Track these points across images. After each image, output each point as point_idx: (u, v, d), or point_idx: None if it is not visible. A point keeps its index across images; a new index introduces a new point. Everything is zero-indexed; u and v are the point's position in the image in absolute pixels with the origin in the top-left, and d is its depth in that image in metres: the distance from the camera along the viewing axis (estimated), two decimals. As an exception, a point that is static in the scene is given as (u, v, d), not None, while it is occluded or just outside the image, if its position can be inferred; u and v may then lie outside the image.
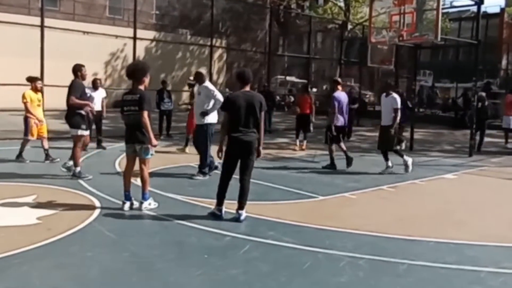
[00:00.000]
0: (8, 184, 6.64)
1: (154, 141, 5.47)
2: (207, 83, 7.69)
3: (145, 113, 5.33)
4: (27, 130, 8.40)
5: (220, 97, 7.28)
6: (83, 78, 7.28)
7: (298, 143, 11.74)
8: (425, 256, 4.40)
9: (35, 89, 8.44)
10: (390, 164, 8.76)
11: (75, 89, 7.02)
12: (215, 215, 5.29)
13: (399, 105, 8.53)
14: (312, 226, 5.23)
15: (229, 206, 5.36)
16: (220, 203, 5.32)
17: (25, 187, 6.48)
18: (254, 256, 4.26)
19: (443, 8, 12.98)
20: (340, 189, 7.19)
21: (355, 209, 6.31)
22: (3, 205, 5.54)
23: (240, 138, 5.17)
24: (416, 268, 4.12)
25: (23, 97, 8.36)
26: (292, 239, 4.69)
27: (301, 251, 4.41)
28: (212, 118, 7.58)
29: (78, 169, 7.07)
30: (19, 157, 8.39)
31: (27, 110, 8.38)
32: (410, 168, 8.76)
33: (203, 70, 8.03)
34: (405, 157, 8.86)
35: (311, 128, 12.01)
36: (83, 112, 7.16)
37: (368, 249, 4.50)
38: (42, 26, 11.87)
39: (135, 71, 5.59)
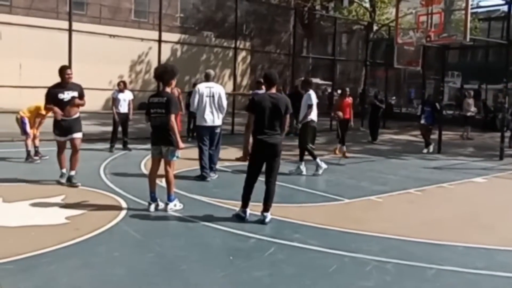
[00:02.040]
0: (38, 185, 6.79)
1: (181, 144, 5.49)
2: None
3: (172, 116, 5.36)
4: (25, 129, 8.50)
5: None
6: (64, 81, 6.75)
7: (345, 149, 10.99)
8: (454, 261, 4.29)
9: None
10: (302, 167, 8.36)
11: (46, 97, 6.79)
12: (240, 217, 5.28)
13: (313, 102, 8.40)
14: (337, 229, 5.16)
15: (254, 208, 5.35)
16: (245, 205, 5.31)
17: (54, 187, 6.62)
18: (279, 259, 4.23)
19: (472, 8, 12.70)
20: (366, 192, 7.09)
21: (381, 212, 6.21)
22: (33, 205, 5.67)
23: (265, 140, 5.15)
24: (444, 273, 4.02)
25: (41, 108, 8.15)
26: (318, 242, 4.64)
27: (326, 254, 4.36)
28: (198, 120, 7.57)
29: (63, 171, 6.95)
30: (28, 158, 8.54)
31: (36, 116, 8.52)
32: (320, 171, 8.27)
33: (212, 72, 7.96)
34: (318, 160, 8.39)
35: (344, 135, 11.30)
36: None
37: (395, 253, 4.41)
38: (70, 30, 12.13)
39: (164, 73, 5.59)
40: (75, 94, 6.76)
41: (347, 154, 10.83)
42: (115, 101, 10.40)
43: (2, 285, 3.43)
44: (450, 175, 8.91)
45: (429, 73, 23.58)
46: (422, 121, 12.42)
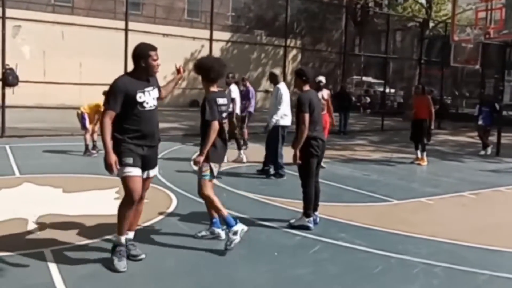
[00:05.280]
0: (94, 177, 7.14)
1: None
2: (281, 85, 7.72)
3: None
4: (84, 124, 8.91)
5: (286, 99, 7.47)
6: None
7: (419, 154, 9.78)
8: (509, 267, 4.10)
9: None
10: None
11: None
12: (311, 226, 4.97)
13: (233, 95, 8.72)
14: (385, 230, 5.08)
15: (296, 205, 5.35)
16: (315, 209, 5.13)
17: (109, 180, 6.92)
18: (323, 257, 4.22)
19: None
20: (416, 194, 6.91)
21: (431, 215, 6.03)
22: (90, 195, 5.99)
23: (321, 138, 5.06)
24: (497, 280, 3.86)
25: (100, 106, 8.76)
26: (364, 242, 4.59)
27: (372, 254, 4.31)
28: (282, 120, 7.57)
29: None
30: (86, 151, 8.97)
31: (95, 113, 8.84)
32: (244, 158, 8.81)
33: (277, 71, 8.11)
34: (242, 151, 9.07)
35: (430, 138, 10.03)
36: None
37: (445, 257, 4.28)
38: (126, 30, 12.63)
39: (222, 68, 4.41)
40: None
41: (421, 162, 9.69)
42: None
43: (60, 269, 3.66)
44: (508, 179, 8.49)
45: (489, 72, 22.52)
46: (480, 122, 11.90)
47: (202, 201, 5.69)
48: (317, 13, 29.73)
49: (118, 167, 3.61)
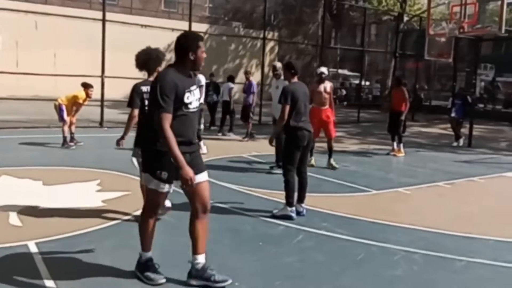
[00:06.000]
0: (74, 169, 7.06)
1: None
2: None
3: None
4: (62, 116, 8.77)
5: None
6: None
7: (395, 145, 9.90)
8: (484, 254, 4.29)
9: (87, 95, 8.77)
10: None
11: None
12: (294, 216, 5.03)
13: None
14: (365, 219, 5.22)
15: (279, 196, 5.42)
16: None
17: (89, 172, 6.87)
18: (308, 246, 4.32)
19: (508, -2, 12.36)
20: (394, 184, 7.09)
21: (409, 204, 6.22)
22: (71, 188, 5.93)
23: (307, 128, 5.14)
24: (474, 265, 4.04)
25: (78, 97, 8.71)
26: (346, 231, 4.71)
27: (354, 243, 4.43)
28: None
29: None
30: (64, 143, 8.84)
31: (73, 105, 8.80)
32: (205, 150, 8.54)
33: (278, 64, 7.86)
34: (202, 142, 8.63)
35: (404, 129, 10.04)
36: None
37: (424, 244, 4.44)
38: (103, 20, 12.41)
39: (149, 60, 4.67)
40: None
41: (397, 153, 9.85)
42: None
43: (46, 261, 3.64)
44: (480, 169, 8.80)
45: (461, 66, 23.07)
46: (453, 114, 12.24)
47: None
48: (294, 6, 29.82)
49: (195, 180, 3.14)
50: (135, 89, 4.51)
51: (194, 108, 3.27)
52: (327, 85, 7.93)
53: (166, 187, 3.31)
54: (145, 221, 3.45)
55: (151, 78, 4.41)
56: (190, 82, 3.25)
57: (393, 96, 10.20)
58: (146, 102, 4.16)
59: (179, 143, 3.11)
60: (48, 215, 4.83)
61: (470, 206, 6.18)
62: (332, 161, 8.07)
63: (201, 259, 3.37)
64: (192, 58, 3.22)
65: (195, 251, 3.38)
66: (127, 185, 6.14)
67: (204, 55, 3.27)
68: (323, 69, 8.20)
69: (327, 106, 7.94)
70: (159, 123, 3.06)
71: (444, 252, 4.25)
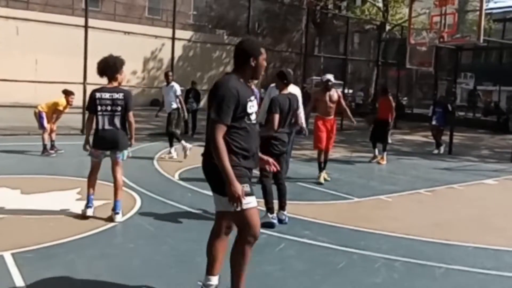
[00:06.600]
0: (54, 178, 6.95)
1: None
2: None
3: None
4: (42, 123, 8.67)
5: None
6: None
7: (377, 153, 9.96)
8: (463, 260, 4.35)
9: (67, 102, 8.69)
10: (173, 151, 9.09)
11: None
12: (275, 223, 5.02)
13: (177, 93, 8.99)
14: (347, 227, 5.24)
15: (261, 204, 5.42)
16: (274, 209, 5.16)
17: (70, 180, 6.77)
18: (289, 254, 4.32)
19: (486, 9, 12.66)
20: (376, 191, 7.14)
21: (391, 211, 6.27)
22: (50, 197, 5.83)
23: (281, 138, 5.18)
24: (453, 272, 4.08)
25: (59, 104, 8.62)
26: (327, 239, 4.72)
27: (336, 251, 4.44)
28: None
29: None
30: (44, 151, 8.71)
31: (53, 112, 8.71)
32: (189, 151, 8.74)
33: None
34: (173, 148, 9.12)
35: (389, 138, 10.04)
36: None
37: (404, 252, 4.48)
38: (86, 27, 12.31)
39: (107, 68, 4.97)
40: None
41: (381, 160, 9.89)
42: None
43: (22, 272, 3.56)
44: (460, 176, 8.92)
45: (442, 74, 23.46)
46: (433, 122, 12.42)
47: (167, 201, 5.70)
48: (278, 14, 30.01)
49: (244, 199, 2.83)
50: (90, 95, 5.00)
51: (254, 120, 3.03)
52: (334, 94, 7.46)
53: (254, 201, 2.97)
54: (245, 251, 3.17)
55: (110, 85, 4.96)
56: (249, 92, 3.01)
57: (379, 104, 10.27)
58: (99, 108, 4.85)
59: (244, 158, 2.91)
60: (26, 224, 4.74)
61: (450, 213, 6.26)
62: (324, 174, 7.71)
63: (214, 280, 3.26)
64: (253, 64, 2.99)
65: (212, 272, 3.21)
66: (108, 193, 6.02)
67: (265, 63, 3.05)
68: (330, 76, 7.54)
69: (332, 116, 7.53)
70: (212, 133, 2.80)
71: (424, 260, 4.29)
